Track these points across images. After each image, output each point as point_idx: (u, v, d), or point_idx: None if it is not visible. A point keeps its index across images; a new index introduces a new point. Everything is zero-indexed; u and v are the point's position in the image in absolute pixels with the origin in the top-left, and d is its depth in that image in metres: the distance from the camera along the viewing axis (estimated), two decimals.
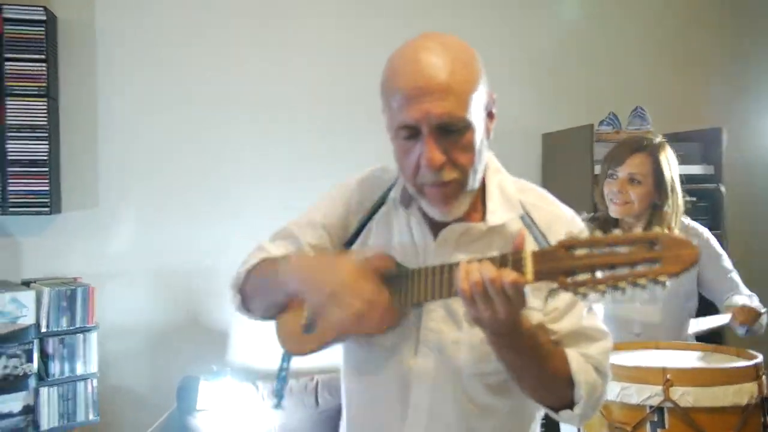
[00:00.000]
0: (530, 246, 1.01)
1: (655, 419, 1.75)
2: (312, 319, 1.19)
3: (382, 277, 1.14)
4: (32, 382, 2.67)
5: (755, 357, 1.86)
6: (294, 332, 1.23)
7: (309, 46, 3.34)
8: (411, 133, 1.11)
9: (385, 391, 1.22)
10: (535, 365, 1.10)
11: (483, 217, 1.20)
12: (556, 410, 1.15)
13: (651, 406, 1.75)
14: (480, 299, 0.98)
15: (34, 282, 2.87)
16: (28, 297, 2.68)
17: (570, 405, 1.14)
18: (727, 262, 2.35)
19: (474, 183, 1.16)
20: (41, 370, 2.70)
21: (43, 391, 2.70)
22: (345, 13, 3.41)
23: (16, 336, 2.63)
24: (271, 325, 1.28)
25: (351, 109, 3.28)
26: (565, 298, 1.15)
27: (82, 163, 3.09)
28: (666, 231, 2.48)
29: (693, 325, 2.29)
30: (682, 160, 3.08)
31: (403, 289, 1.13)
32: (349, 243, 1.28)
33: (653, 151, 2.27)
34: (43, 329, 2.71)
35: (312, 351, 1.21)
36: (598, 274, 0.92)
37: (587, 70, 3.70)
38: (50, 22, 2.94)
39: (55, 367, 2.73)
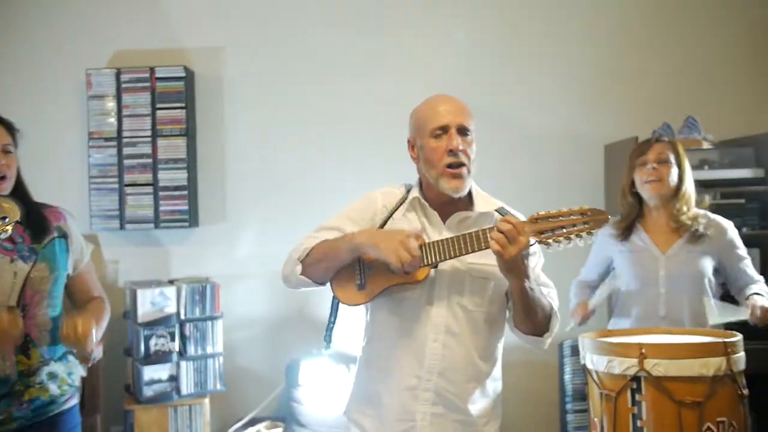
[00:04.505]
0: None
1: (634, 386, 2.00)
2: (363, 280, 1.81)
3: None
4: (174, 357, 3.43)
5: (732, 336, 2.08)
6: (349, 290, 1.83)
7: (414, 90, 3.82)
8: (441, 132, 1.78)
9: (415, 310, 1.81)
10: (539, 298, 1.76)
11: (473, 210, 1.85)
12: (542, 335, 1.80)
13: (630, 376, 2.01)
14: (509, 238, 1.61)
15: (177, 280, 3.65)
16: (171, 291, 3.46)
17: (546, 330, 1.81)
18: (743, 251, 2.58)
19: (471, 172, 1.81)
20: (181, 348, 3.46)
21: (183, 364, 3.46)
22: (454, 57, 3.85)
23: (163, 321, 3.42)
24: (331, 291, 1.88)
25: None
26: (529, 261, 1.76)
27: (213, 187, 3.86)
28: (684, 209, 2.66)
29: (712, 317, 2.50)
30: (734, 164, 3.23)
31: (433, 253, 1.73)
32: None
33: (672, 142, 2.64)
34: (182, 316, 3.48)
35: (364, 302, 1.82)
36: (557, 232, 1.64)
37: (646, 80, 3.83)
38: (189, 77, 3.75)
39: (191, 346, 3.49)
